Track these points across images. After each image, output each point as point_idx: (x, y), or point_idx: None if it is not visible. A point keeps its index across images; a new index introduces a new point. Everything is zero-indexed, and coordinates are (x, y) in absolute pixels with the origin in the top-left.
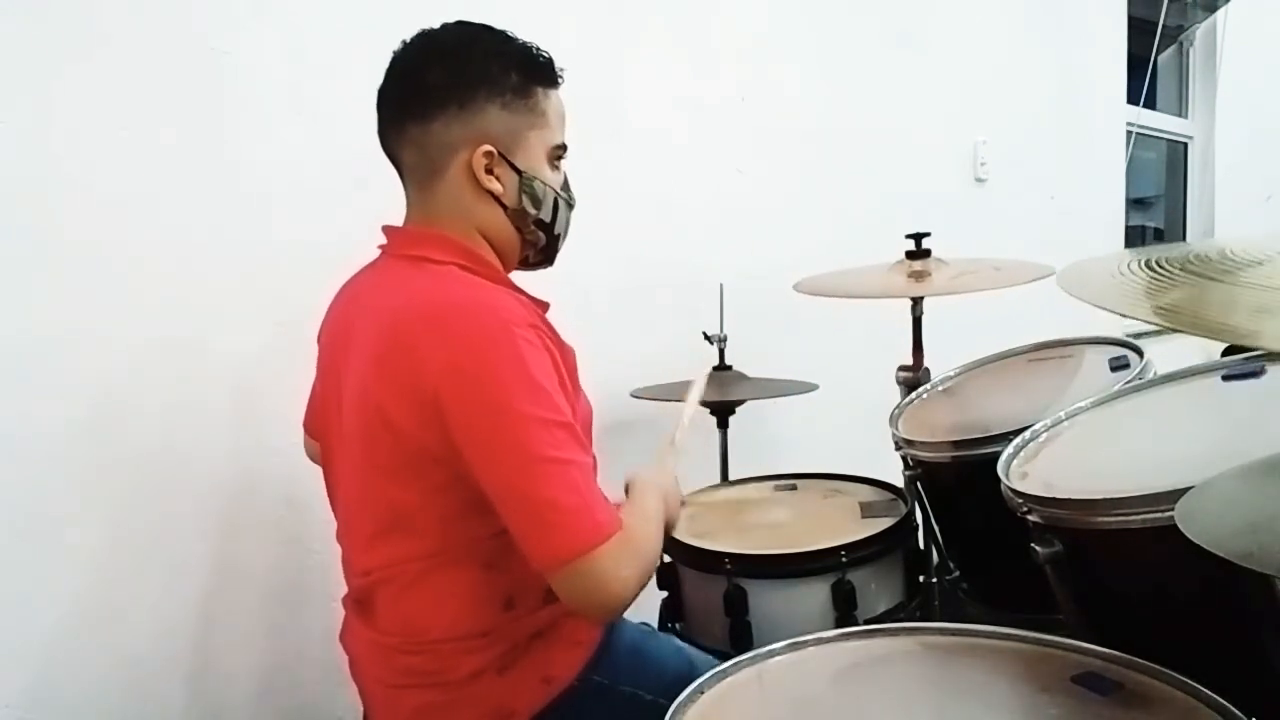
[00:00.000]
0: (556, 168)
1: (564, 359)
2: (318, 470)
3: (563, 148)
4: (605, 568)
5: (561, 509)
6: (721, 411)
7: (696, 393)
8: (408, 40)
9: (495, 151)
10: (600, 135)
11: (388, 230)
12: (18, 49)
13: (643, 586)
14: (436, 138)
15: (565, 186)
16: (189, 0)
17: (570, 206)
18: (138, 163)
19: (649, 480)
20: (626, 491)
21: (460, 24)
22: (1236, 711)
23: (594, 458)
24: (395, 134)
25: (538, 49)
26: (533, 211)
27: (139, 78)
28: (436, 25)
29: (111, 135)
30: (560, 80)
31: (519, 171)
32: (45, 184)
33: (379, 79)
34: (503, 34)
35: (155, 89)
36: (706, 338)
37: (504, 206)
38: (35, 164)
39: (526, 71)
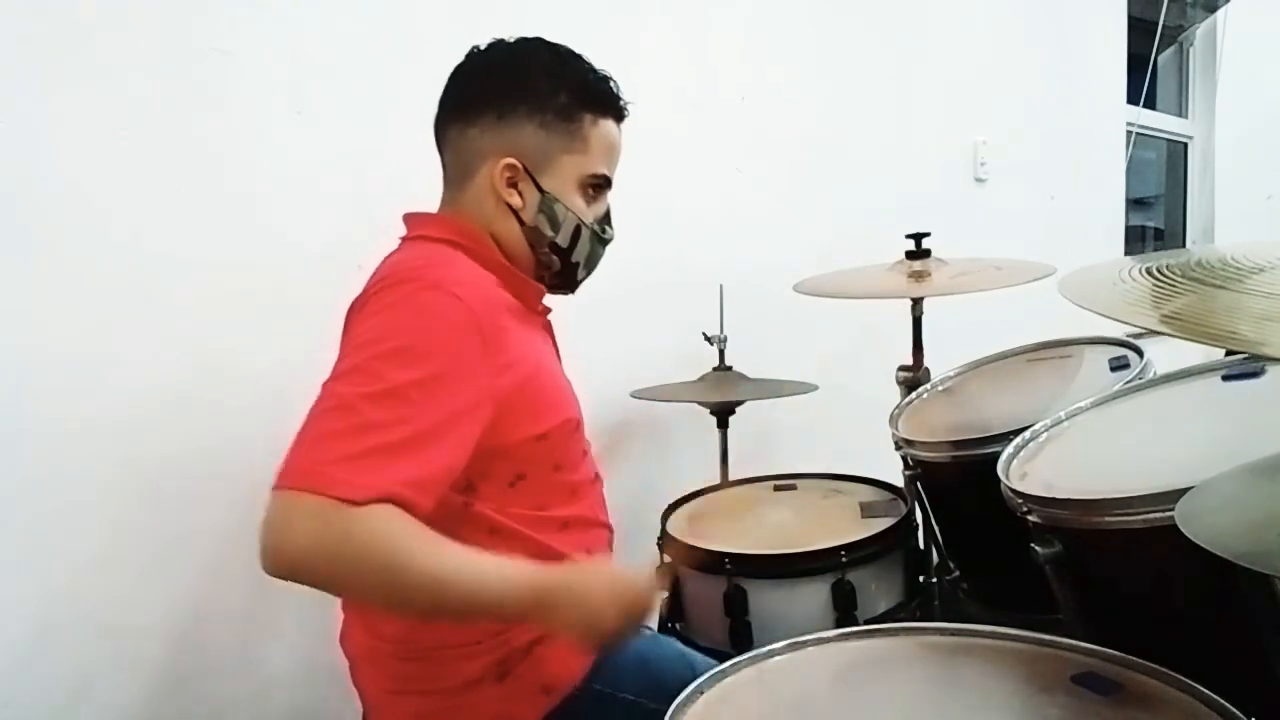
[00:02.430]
0: (592, 198)
1: (519, 349)
2: None
3: (603, 179)
4: (282, 515)
5: (303, 438)
6: (721, 411)
7: None
8: (482, 45)
9: (520, 166)
10: None
11: (405, 217)
12: (18, 49)
13: (323, 567)
14: (472, 143)
15: (603, 220)
16: (189, 0)
17: (602, 241)
18: (138, 162)
19: (545, 571)
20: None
21: (532, 38)
22: (1236, 711)
23: (589, 465)
24: (441, 132)
25: (602, 75)
26: (549, 233)
27: (140, 78)
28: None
29: (112, 135)
30: (623, 112)
31: (542, 191)
32: (46, 184)
33: (379, 79)
34: (570, 55)
35: (155, 89)
36: (706, 338)
37: (521, 222)
38: (36, 164)
39: (577, 95)
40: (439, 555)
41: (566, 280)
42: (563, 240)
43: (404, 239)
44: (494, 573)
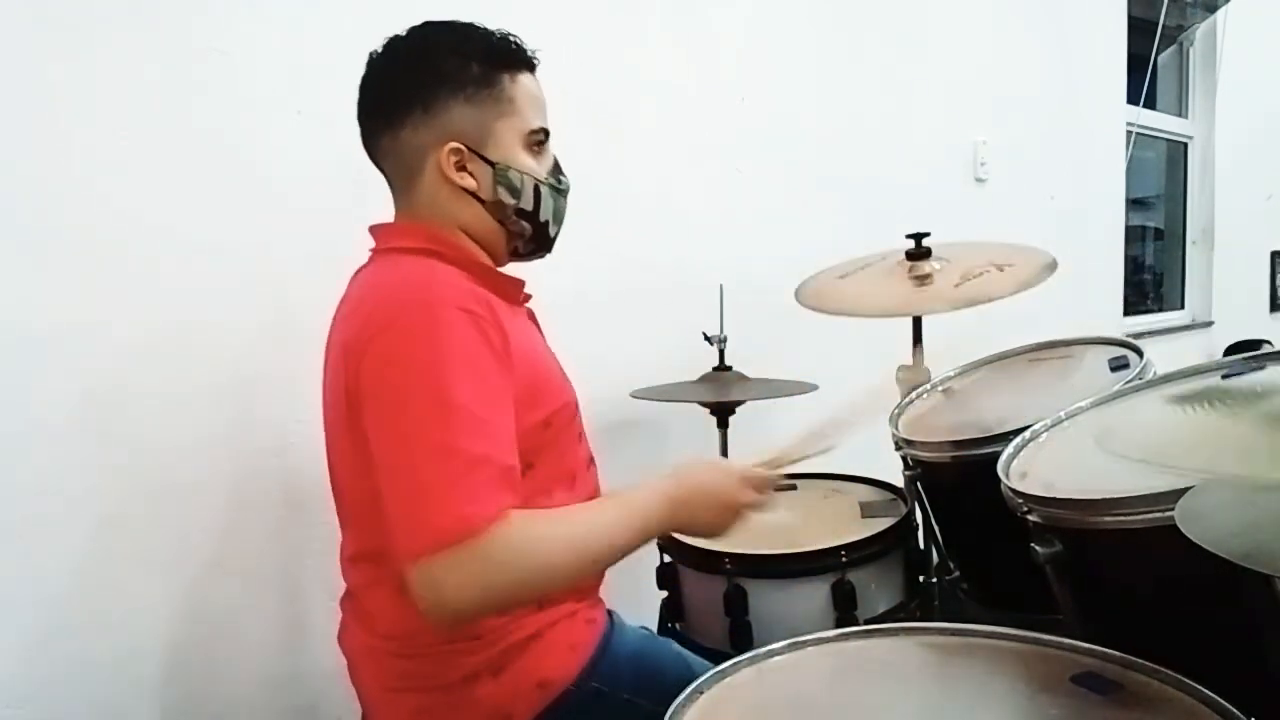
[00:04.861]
0: (538, 153)
1: (516, 343)
2: (316, 471)
3: (541, 131)
4: (431, 582)
5: (405, 496)
6: (721, 411)
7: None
8: (375, 51)
9: (464, 148)
10: (599, 135)
11: (372, 229)
12: (18, 49)
13: (490, 599)
14: (407, 143)
15: (554, 171)
16: (189, 0)
17: (560, 191)
18: (138, 162)
19: (668, 483)
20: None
21: (423, 25)
22: (1236, 712)
23: (584, 449)
24: (373, 146)
25: (501, 34)
26: (511, 202)
27: (139, 78)
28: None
29: (111, 135)
30: (533, 62)
31: (492, 164)
32: (45, 183)
33: None
34: (465, 27)
35: (155, 89)
36: (706, 338)
37: (481, 201)
38: (35, 163)
39: (488, 60)
40: (574, 529)
41: (541, 241)
42: (526, 204)
43: (375, 251)
44: (632, 514)
